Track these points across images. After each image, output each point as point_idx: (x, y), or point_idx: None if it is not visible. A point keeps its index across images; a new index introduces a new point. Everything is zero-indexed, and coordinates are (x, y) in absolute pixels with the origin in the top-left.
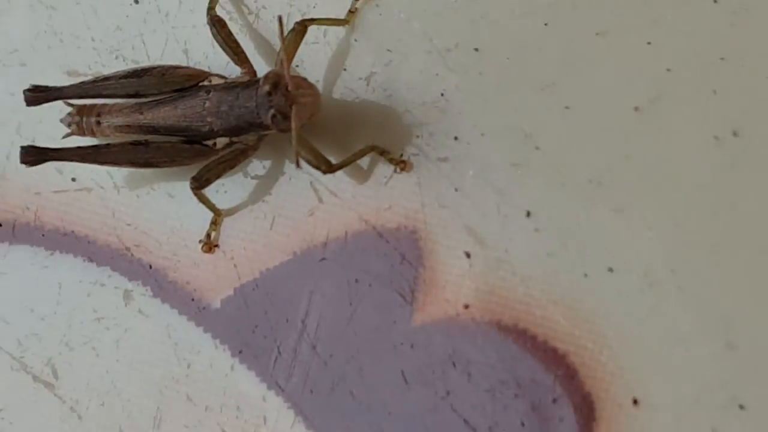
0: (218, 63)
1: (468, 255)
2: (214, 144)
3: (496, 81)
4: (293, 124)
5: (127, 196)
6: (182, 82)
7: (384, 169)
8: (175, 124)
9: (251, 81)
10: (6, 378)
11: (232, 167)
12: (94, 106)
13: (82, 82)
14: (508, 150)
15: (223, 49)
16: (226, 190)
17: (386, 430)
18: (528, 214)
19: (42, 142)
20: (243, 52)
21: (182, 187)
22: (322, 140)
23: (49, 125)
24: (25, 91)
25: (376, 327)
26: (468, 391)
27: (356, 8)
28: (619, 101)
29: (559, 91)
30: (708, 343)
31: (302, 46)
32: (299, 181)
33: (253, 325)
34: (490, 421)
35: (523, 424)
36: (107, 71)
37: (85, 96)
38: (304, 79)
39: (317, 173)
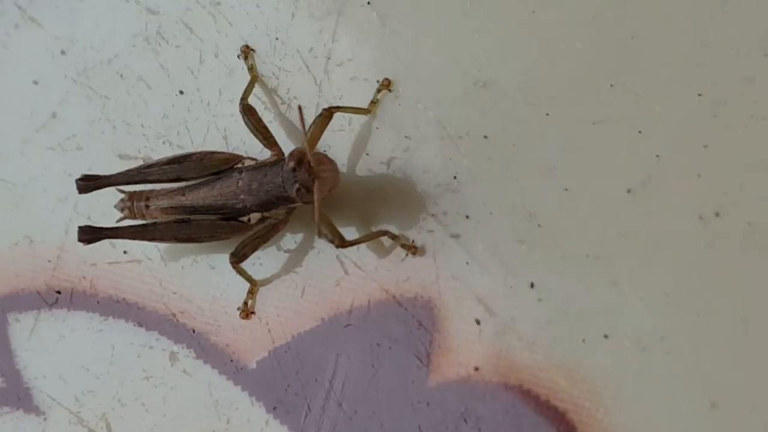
0: (254, 148)
1: (478, 322)
2: (249, 219)
3: (502, 165)
4: (316, 196)
5: (172, 268)
6: (218, 166)
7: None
8: (213, 203)
9: (278, 160)
10: (61, 427)
11: (265, 241)
12: (143, 192)
13: (128, 170)
14: (514, 227)
15: (254, 135)
16: (261, 263)
17: None
18: (532, 285)
19: (96, 218)
20: (272, 136)
21: (222, 260)
22: (346, 216)
23: (104, 203)
24: (77, 180)
25: (396, 386)
26: None
27: (377, 99)
28: (613, 183)
29: (560, 175)
30: (693, 401)
31: (329, 132)
32: (327, 254)
33: (285, 384)
34: None
35: None
36: (155, 155)
37: (132, 182)
38: (325, 156)
39: (338, 249)
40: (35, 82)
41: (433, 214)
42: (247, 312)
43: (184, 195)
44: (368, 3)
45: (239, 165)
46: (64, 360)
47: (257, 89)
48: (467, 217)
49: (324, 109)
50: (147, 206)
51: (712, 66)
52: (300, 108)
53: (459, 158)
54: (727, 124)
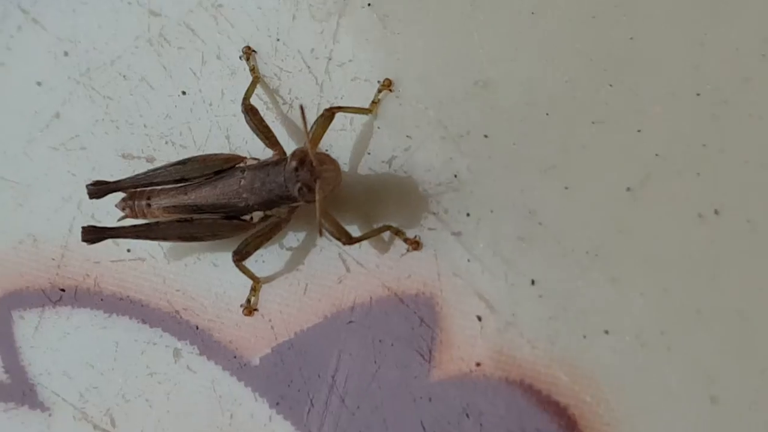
0: (256, 148)
1: (479, 318)
2: (251, 218)
3: (503, 164)
4: (317, 196)
5: (176, 266)
6: (221, 165)
7: (403, 243)
8: (216, 201)
9: (280, 159)
10: (69, 427)
11: (268, 239)
12: (143, 191)
13: (136, 175)
14: (515, 225)
15: (256, 134)
16: (264, 260)
17: None
18: (533, 282)
19: (100, 217)
20: (274, 136)
21: (224, 258)
22: (348, 215)
23: (106, 202)
24: (87, 186)
25: (398, 382)
26: None
27: (378, 99)
28: (612, 182)
29: (560, 173)
30: (694, 396)
31: (331, 132)
32: (329, 252)
33: (288, 380)
34: None
35: None
36: (158, 155)
37: (139, 186)
38: (327, 155)
39: (340, 246)
40: (39, 83)
41: (434, 213)
42: (250, 309)
43: (186, 194)
44: (369, 5)
45: (242, 164)
46: (68, 357)
47: (259, 90)
48: (468, 215)
49: (325, 110)
50: (148, 205)
51: (710, 66)
52: (302, 108)
53: (460, 157)
54: (726, 124)
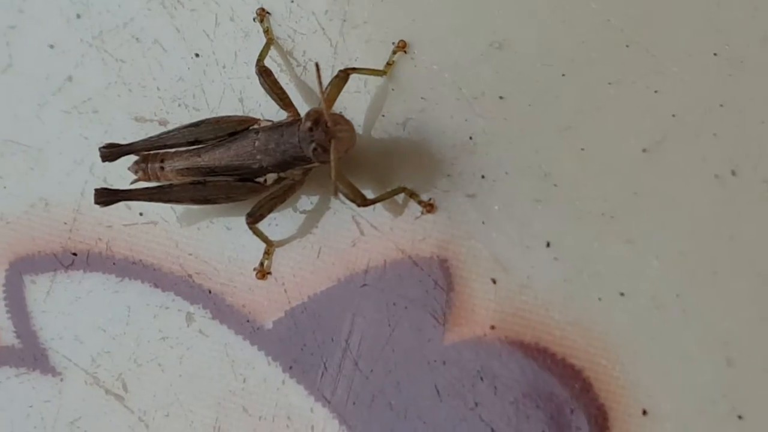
0: (270, 110)
1: (494, 281)
2: (265, 180)
3: (518, 126)
4: (332, 156)
5: (188, 229)
6: (235, 127)
7: (417, 205)
8: (229, 163)
9: (294, 120)
10: (81, 391)
11: (282, 202)
12: (157, 153)
13: (149, 137)
14: (530, 187)
15: (270, 96)
16: (277, 224)
17: None
18: (548, 244)
19: (112, 180)
20: (288, 97)
21: (238, 221)
22: (363, 178)
23: (118, 165)
24: (100, 148)
25: (412, 346)
26: (494, 403)
27: (393, 61)
28: (628, 143)
29: (575, 135)
30: (709, 359)
31: (345, 94)
32: (342, 215)
33: (301, 344)
34: (514, 429)
35: None
36: (171, 117)
37: (152, 148)
38: (341, 116)
39: (358, 208)
40: (51, 46)
41: (448, 175)
42: (263, 272)
43: (200, 156)
44: None
45: (255, 126)
46: (80, 321)
47: (273, 52)
48: (483, 177)
49: (340, 71)
50: (161, 168)
51: (727, 25)
52: (317, 66)
53: (475, 119)
54: (743, 83)
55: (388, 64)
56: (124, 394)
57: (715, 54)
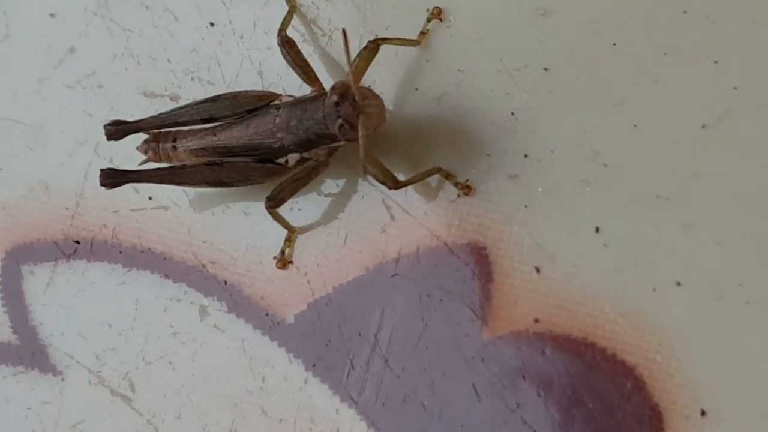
0: (292, 84)
1: (538, 270)
2: (286, 161)
3: (565, 100)
4: (360, 134)
5: (202, 215)
6: (254, 103)
7: (454, 187)
8: (248, 142)
9: (319, 95)
10: (84, 392)
11: (304, 185)
12: (169, 132)
13: (159, 114)
14: (577, 167)
15: (293, 69)
16: (299, 208)
17: None
18: (597, 229)
19: (119, 161)
20: (312, 71)
21: (256, 205)
22: (394, 157)
23: (126, 144)
24: (105, 126)
25: (447, 341)
26: (538, 404)
27: (428, 29)
28: (687, 118)
29: (628, 110)
30: None
31: (375, 66)
32: (371, 198)
33: (326, 339)
34: (561, 430)
35: None
36: (183, 92)
37: (163, 126)
38: (370, 90)
39: (389, 191)
40: (52, 15)
41: (488, 154)
42: (284, 261)
43: (215, 135)
44: None
45: (276, 102)
46: (83, 315)
47: (296, 20)
48: (526, 156)
49: (369, 41)
50: (174, 147)
51: None
52: (344, 32)
53: (517, 93)
54: None
55: (422, 33)
56: (132, 394)
57: None
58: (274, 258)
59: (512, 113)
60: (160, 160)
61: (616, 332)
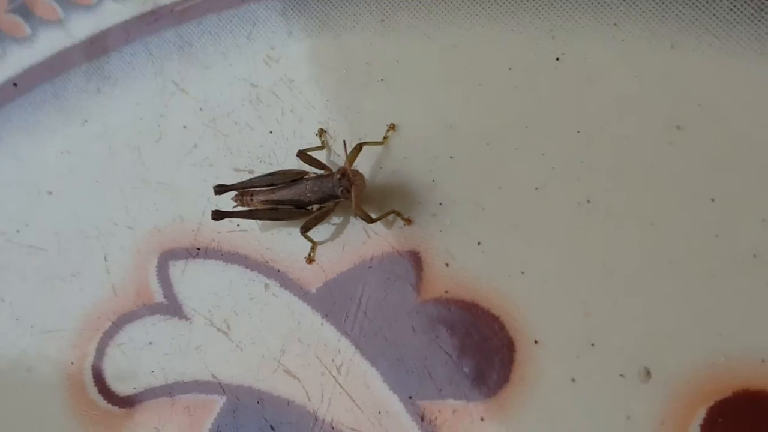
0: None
1: (447, 264)
2: (312, 208)
3: (462, 171)
4: (353, 195)
5: (266, 234)
6: (294, 176)
7: (401, 220)
8: (291, 198)
9: (329, 174)
10: (202, 329)
11: (321, 221)
12: (248, 190)
13: (243, 181)
14: (467, 209)
15: (311, 165)
16: (318, 232)
17: (403, 355)
18: (479, 243)
19: (221, 206)
20: (322, 163)
21: (295, 230)
22: (370, 206)
23: (225, 198)
24: (214, 187)
25: (398, 303)
26: (447, 336)
27: (387, 136)
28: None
29: (500, 175)
30: (573, 310)
31: (359, 157)
32: (357, 227)
33: (333, 302)
34: (459, 351)
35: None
36: (256, 168)
37: (245, 187)
38: (357, 171)
39: (367, 224)
40: (184, 127)
41: (420, 203)
42: (310, 259)
43: (273, 193)
44: (381, 80)
45: (306, 177)
46: (202, 288)
47: (315, 139)
48: (440, 204)
49: (356, 144)
50: (251, 199)
51: None
52: (344, 142)
53: (435, 169)
54: None
55: (384, 138)
56: (228, 331)
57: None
58: (305, 258)
59: (433, 180)
60: (243, 206)
61: (489, 298)
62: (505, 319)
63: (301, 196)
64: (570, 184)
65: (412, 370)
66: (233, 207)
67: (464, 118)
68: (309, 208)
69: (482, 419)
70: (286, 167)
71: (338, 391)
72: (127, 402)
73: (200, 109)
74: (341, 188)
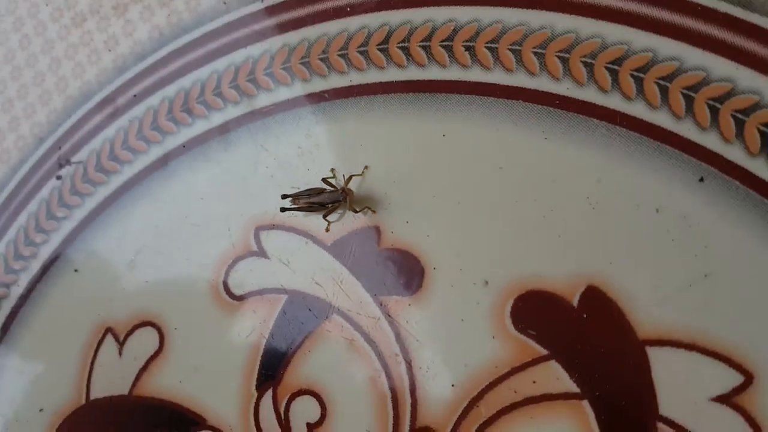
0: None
1: (392, 232)
2: (329, 206)
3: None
4: (348, 200)
5: (307, 218)
6: (319, 191)
7: (372, 212)
8: (318, 202)
9: (336, 189)
10: (275, 264)
11: (333, 212)
12: (297, 197)
13: (294, 192)
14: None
15: (328, 185)
16: (331, 217)
17: (371, 274)
18: (407, 222)
19: (285, 205)
20: (332, 184)
21: (319, 217)
22: (356, 204)
23: (287, 201)
24: (281, 195)
25: (369, 250)
26: (392, 270)
27: (363, 172)
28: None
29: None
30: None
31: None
32: (350, 215)
33: (339, 249)
34: (398, 272)
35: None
36: (300, 186)
37: (295, 196)
38: (350, 188)
39: (354, 213)
40: (243, 179)
41: (382, 203)
42: (327, 229)
43: (310, 198)
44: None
45: (326, 191)
46: (276, 244)
47: (329, 173)
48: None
49: (349, 175)
50: (299, 202)
51: None
52: (344, 175)
53: (392, 190)
54: None
55: (364, 170)
56: (288, 264)
57: None
58: (325, 229)
59: (385, 193)
60: (295, 205)
61: (413, 247)
62: (420, 256)
63: (323, 200)
64: None
65: (376, 281)
66: (290, 205)
67: (404, 172)
68: (327, 206)
69: (409, 305)
70: (315, 186)
71: (341, 292)
72: (239, 298)
73: (266, 167)
74: (343, 196)
